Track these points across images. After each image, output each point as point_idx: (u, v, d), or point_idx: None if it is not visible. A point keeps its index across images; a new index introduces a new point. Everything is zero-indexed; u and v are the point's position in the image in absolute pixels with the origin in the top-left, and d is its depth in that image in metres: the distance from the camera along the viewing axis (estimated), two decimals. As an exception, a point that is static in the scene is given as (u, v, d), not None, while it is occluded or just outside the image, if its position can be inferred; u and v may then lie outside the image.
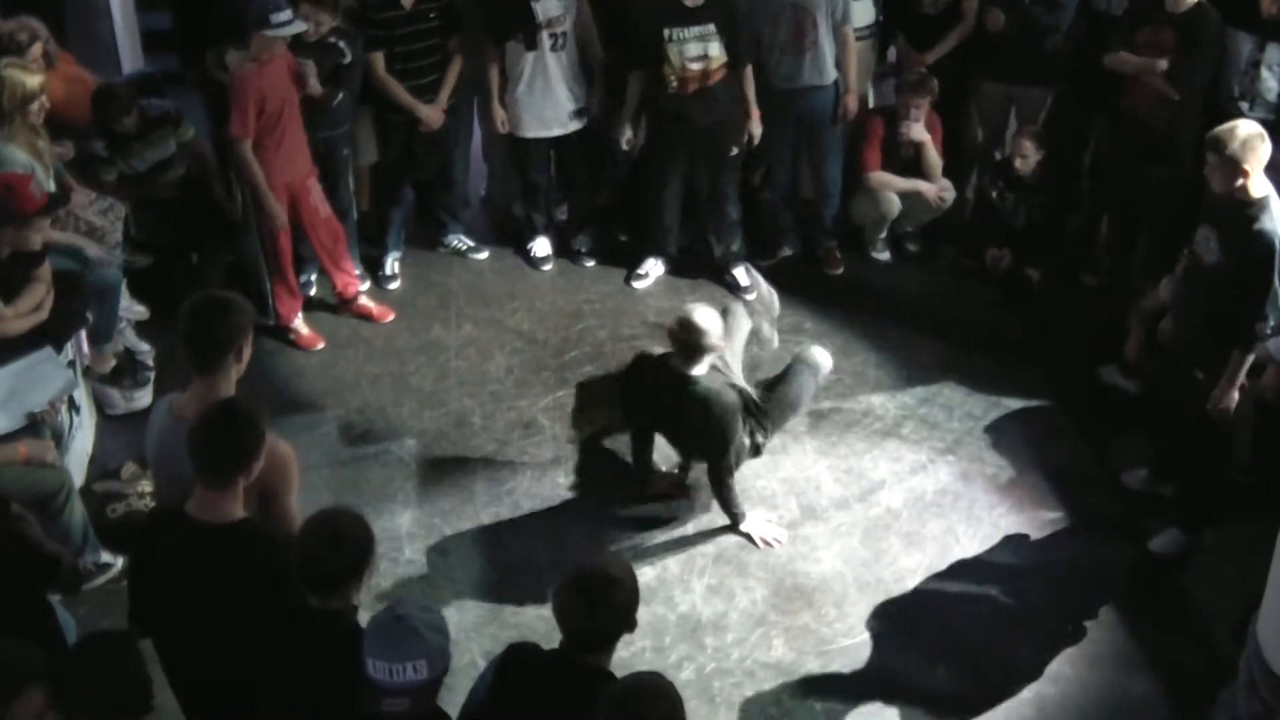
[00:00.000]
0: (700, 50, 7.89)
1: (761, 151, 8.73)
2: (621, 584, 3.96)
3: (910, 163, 8.54)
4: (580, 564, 4.09)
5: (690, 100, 8.03)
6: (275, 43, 7.15)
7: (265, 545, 4.21)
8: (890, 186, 8.54)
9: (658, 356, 6.50)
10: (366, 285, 8.36)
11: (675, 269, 8.71)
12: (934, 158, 8.48)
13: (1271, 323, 5.85)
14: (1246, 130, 5.74)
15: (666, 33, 7.85)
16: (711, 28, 7.85)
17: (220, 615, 4.07)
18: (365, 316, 8.16)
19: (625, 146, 8.39)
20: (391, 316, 8.17)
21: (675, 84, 7.98)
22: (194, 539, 4.15)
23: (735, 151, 8.27)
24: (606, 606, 3.92)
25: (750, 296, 8.18)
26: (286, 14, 7.11)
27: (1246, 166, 5.69)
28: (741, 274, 8.48)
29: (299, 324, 7.89)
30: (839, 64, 8.27)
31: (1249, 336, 5.89)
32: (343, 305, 8.19)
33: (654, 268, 8.64)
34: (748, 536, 6.49)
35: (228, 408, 4.25)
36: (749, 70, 8.10)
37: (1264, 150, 5.72)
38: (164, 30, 9.91)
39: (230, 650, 4.04)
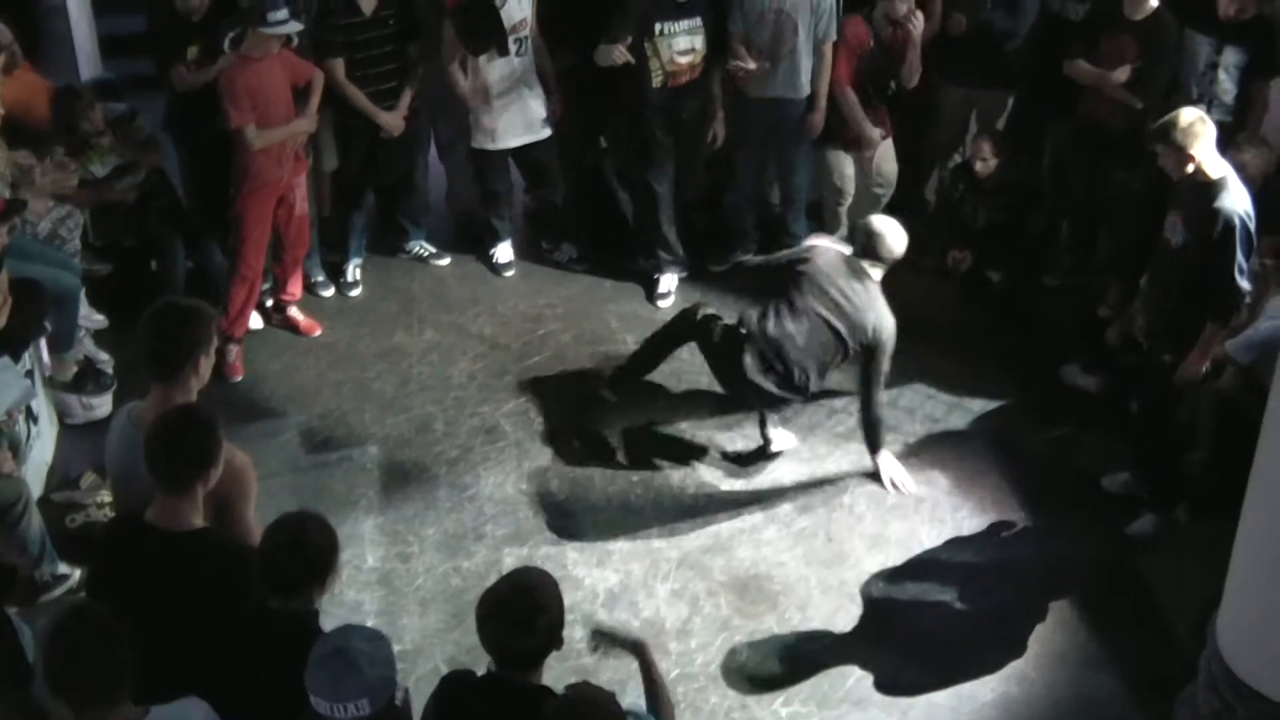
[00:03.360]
0: (689, 44, 7.94)
1: (727, 154, 8.74)
2: (547, 606, 3.92)
3: (887, 65, 8.29)
4: (501, 584, 4.05)
5: (678, 94, 8.08)
6: (269, 41, 7.13)
7: (225, 553, 4.20)
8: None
9: None
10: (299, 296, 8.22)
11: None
12: (915, 52, 8.17)
13: (1246, 294, 6.07)
14: (1187, 117, 5.98)
15: (657, 27, 7.86)
16: (699, 21, 7.91)
17: (180, 623, 4.05)
18: (293, 328, 8.09)
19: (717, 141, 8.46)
20: (318, 331, 8.09)
21: (661, 79, 8.00)
22: (154, 547, 4.14)
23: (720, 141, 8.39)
24: (532, 628, 3.88)
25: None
26: (283, 13, 7.06)
27: (1191, 150, 5.92)
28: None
29: (232, 349, 7.63)
30: (813, 80, 8.22)
31: (1221, 309, 6.09)
32: (275, 312, 8.12)
33: (670, 282, 8.58)
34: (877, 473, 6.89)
35: (184, 413, 4.23)
36: (714, 65, 8.13)
37: (1206, 133, 5.95)
38: (123, 35, 9.90)
39: (190, 657, 4.02)
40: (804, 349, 6.66)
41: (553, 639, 3.94)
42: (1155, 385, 6.44)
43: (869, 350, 6.70)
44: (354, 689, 3.61)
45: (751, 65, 8.02)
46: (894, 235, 6.82)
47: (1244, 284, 6.01)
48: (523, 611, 3.88)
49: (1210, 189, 5.95)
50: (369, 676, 3.63)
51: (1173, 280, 6.25)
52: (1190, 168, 5.94)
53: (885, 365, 6.74)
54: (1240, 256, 5.93)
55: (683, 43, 7.92)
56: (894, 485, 6.86)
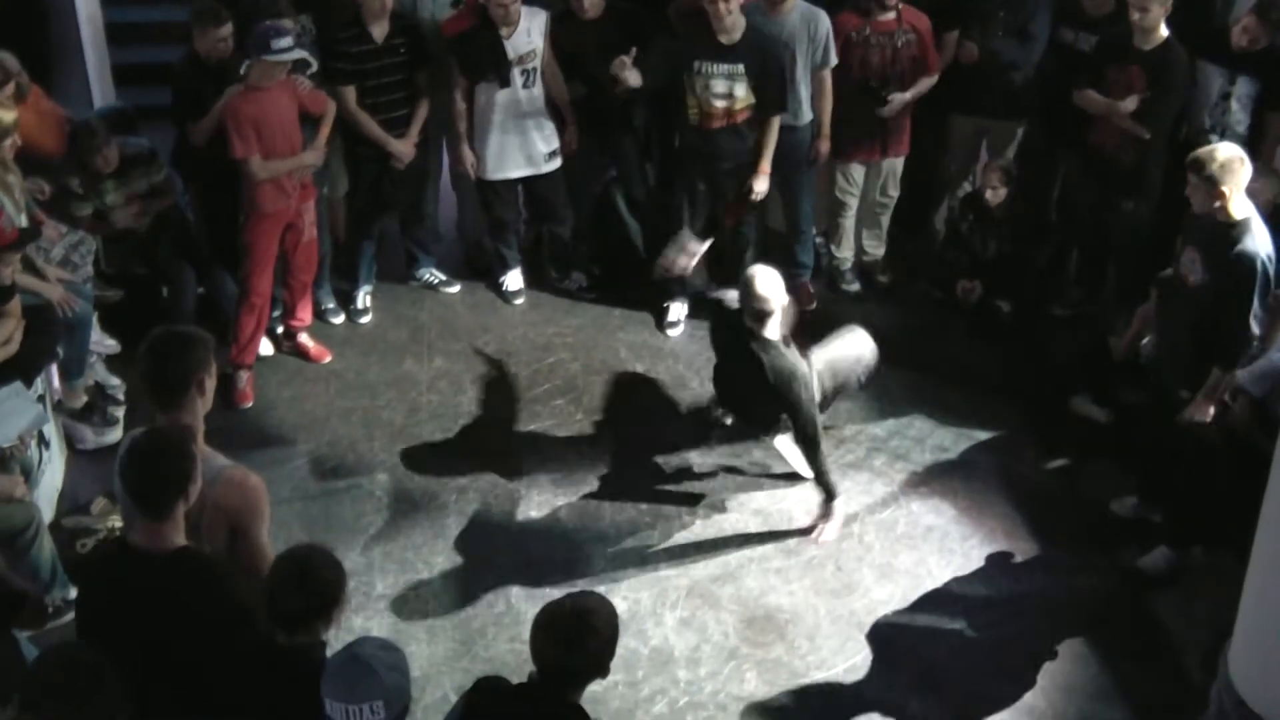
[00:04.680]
0: (726, 88, 7.79)
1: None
2: (599, 634, 3.97)
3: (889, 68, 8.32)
4: (564, 600, 4.09)
5: (712, 136, 7.96)
6: (274, 69, 7.14)
7: (205, 573, 4.17)
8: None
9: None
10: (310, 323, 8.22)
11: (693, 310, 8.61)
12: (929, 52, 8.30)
13: (1257, 339, 6.01)
14: (1226, 153, 5.94)
15: (696, 65, 7.78)
16: (741, 68, 7.75)
17: (163, 644, 4.04)
18: (303, 355, 8.11)
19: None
20: (329, 358, 8.10)
21: (696, 117, 7.93)
22: (135, 568, 4.12)
23: (756, 196, 8.11)
24: (580, 648, 3.93)
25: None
26: (287, 40, 7.09)
27: (1224, 188, 5.87)
28: None
29: (242, 376, 7.65)
30: (814, 106, 8.24)
31: (1229, 355, 6.05)
32: (285, 339, 8.15)
33: (680, 311, 8.57)
34: (822, 519, 6.71)
35: (153, 436, 4.20)
36: (774, 122, 7.95)
37: (1243, 172, 5.90)
38: (136, 64, 9.95)
39: (175, 680, 4.01)
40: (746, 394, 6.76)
41: (599, 665, 3.99)
42: (1168, 423, 6.41)
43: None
44: (370, 691, 3.65)
45: None
46: (762, 283, 6.55)
47: (1255, 329, 5.99)
48: (575, 630, 3.93)
49: (1233, 230, 5.92)
50: (385, 680, 3.68)
51: (1186, 318, 6.23)
52: (1217, 204, 5.91)
53: (800, 420, 6.55)
54: (1256, 303, 5.91)
55: (720, 86, 7.78)
56: (819, 533, 6.71)
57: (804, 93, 8.14)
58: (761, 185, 8.09)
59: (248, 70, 7.17)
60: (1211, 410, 6.17)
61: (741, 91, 7.81)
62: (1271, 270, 5.93)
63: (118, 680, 3.77)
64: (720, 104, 7.84)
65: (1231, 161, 5.88)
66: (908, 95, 8.34)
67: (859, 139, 8.46)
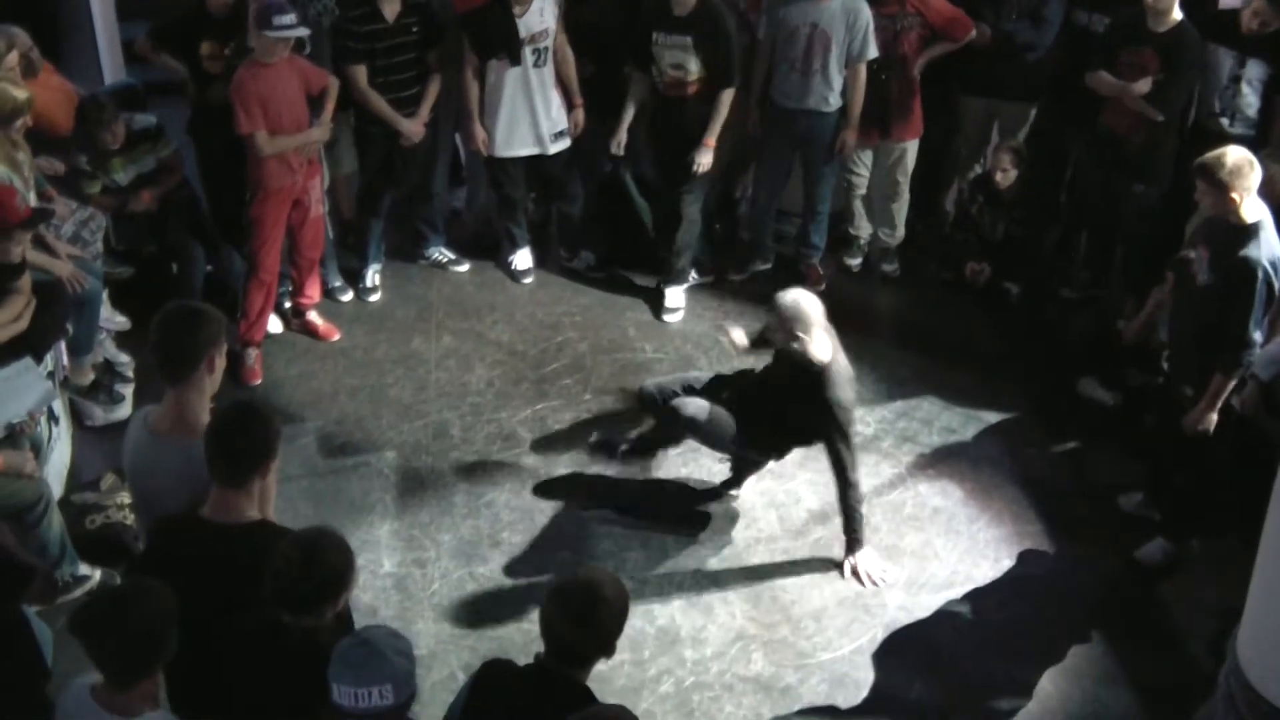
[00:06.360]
0: (677, 59, 7.90)
1: (746, 162, 8.76)
2: (610, 605, 3.96)
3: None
4: (575, 575, 4.10)
5: (670, 105, 8.08)
6: (275, 45, 7.12)
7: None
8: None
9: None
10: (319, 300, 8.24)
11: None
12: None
13: (1257, 346, 5.96)
14: (1235, 157, 5.85)
15: (654, 35, 7.89)
16: (689, 40, 7.83)
17: (240, 615, 4.04)
18: (311, 333, 8.11)
19: (614, 149, 8.40)
20: (337, 336, 8.11)
21: (660, 87, 8.05)
22: (211, 540, 4.15)
23: (697, 168, 8.11)
24: (590, 625, 3.92)
25: (671, 319, 8.36)
26: (290, 17, 7.08)
27: (1234, 194, 5.80)
28: (676, 295, 8.50)
29: (251, 353, 7.69)
30: (845, 96, 8.21)
31: (1230, 361, 5.99)
32: (293, 316, 8.16)
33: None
34: (854, 572, 6.41)
35: (245, 407, 4.31)
36: (725, 95, 7.99)
37: (1253, 176, 5.83)
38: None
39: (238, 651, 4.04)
40: None
41: (606, 642, 3.98)
42: (1175, 419, 6.39)
43: None
44: (378, 675, 3.63)
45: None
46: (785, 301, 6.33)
47: (1256, 337, 5.94)
48: (583, 606, 3.92)
49: (1243, 234, 5.86)
50: (394, 664, 3.66)
51: (1193, 317, 6.21)
52: (1229, 207, 5.85)
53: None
54: (1258, 309, 5.87)
55: (671, 57, 7.90)
56: (870, 580, 6.39)
57: (836, 79, 8.11)
58: (704, 158, 8.11)
59: (253, 44, 7.18)
60: (1214, 418, 6.13)
61: (693, 65, 7.90)
62: (1275, 279, 5.87)
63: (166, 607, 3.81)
64: (673, 74, 7.95)
65: (1240, 165, 5.80)
66: (933, 52, 8.35)
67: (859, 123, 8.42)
